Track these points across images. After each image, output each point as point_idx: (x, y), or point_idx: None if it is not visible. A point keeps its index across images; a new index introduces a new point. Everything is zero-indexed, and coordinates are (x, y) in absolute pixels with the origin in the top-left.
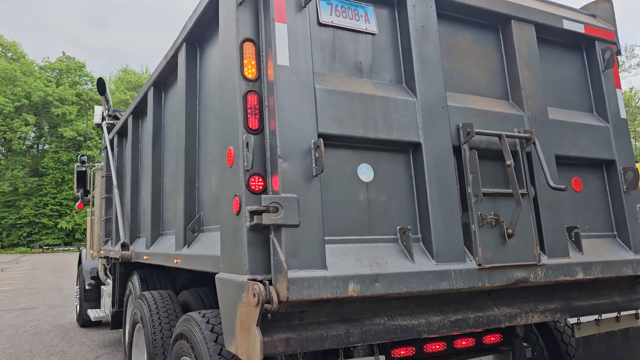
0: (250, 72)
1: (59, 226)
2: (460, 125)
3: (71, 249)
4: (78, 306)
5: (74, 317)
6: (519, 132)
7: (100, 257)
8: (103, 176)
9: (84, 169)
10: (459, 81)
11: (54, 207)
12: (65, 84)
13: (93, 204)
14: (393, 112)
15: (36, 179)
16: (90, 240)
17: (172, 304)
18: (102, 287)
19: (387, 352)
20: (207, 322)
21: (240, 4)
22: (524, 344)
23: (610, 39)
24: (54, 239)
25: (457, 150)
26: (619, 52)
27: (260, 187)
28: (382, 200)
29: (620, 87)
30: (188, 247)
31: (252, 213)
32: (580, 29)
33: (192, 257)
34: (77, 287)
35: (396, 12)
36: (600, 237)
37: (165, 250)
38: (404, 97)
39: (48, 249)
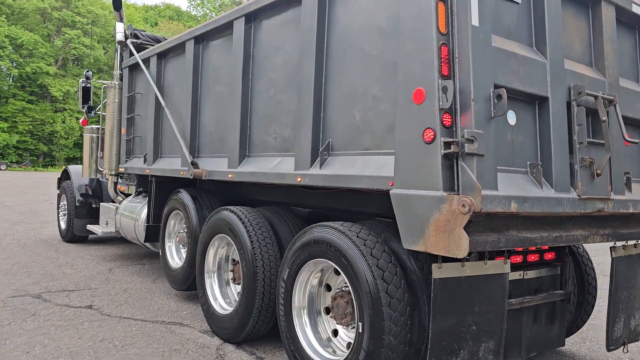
0: (443, 27)
1: None
2: (572, 85)
3: None
4: (65, 222)
5: (51, 232)
6: (605, 95)
7: (111, 175)
8: (128, 95)
9: (89, 84)
10: (566, 48)
11: None
12: None
13: (103, 122)
14: (532, 70)
15: None
16: (89, 158)
17: (260, 217)
18: (101, 204)
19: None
20: (349, 229)
21: None
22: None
23: None
24: None
25: (567, 106)
26: None
27: (450, 123)
28: (519, 140)
29: None
30: (320, 167)
31: (447, 143)
32: None
33: (333, 176)
34: (62, 203)
35: None
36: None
37: (273, 170)
38: (539, 59)
39: None
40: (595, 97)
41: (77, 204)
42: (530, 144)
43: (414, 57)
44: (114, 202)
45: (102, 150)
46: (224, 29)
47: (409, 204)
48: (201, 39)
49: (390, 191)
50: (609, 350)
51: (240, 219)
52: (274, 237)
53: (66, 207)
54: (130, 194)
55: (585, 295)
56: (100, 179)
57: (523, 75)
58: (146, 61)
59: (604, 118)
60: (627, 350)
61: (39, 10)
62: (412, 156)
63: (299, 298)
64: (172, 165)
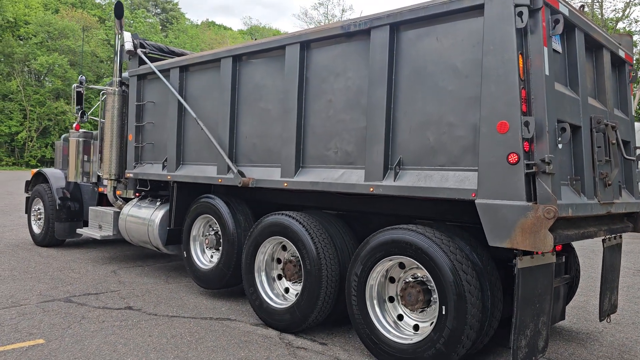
0: (522, 74)
1: None
2: (593, 116)
3: None
4: (40, 226)
5: (15, 237)
6: (610, 122)
7: (111, 180)
8: (137, 104)
9: (82, 90)
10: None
11: None
12: None
13: (101, 128)
14: (574, 106)
15: None
16: (75, 162)
17: (315, 220)
18: (91, 207)
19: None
20: (426, 231)
21: (518, 29)
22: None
23: (630, 62)
24: None
25: (590, 132)
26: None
27: (528, 149)
28: (564, 160)
29: (632, 95)
30: (394, 180)
31: (528, 164)
32: (623, 55)
33: (411, 187)
34: (35, 207)
35: (565, 38)
36: (623, 188)
37: (339, 180)
38: (575, 96)
39: None
40: (607, 124)
41: (57, 208)
42: (568, 162)
43: (497, 97)
44: (109, 205)
45: (95, 154)
46: (269, 51)
47: (496, 211)
48: (239, 58)
49: (476, 201)
50: (600, 320)
51: (301, 223)
52: (329, 237)
53: (42, 210)
54: (130, 198)
55: (574, 279)
56: (80, 183)
57: (569, 111)
58: (164, 72)
59: (614, 141)
60: (610, 321)
61: None
62: (496, 174)
63: (371, 290)
64: (203, 172)
